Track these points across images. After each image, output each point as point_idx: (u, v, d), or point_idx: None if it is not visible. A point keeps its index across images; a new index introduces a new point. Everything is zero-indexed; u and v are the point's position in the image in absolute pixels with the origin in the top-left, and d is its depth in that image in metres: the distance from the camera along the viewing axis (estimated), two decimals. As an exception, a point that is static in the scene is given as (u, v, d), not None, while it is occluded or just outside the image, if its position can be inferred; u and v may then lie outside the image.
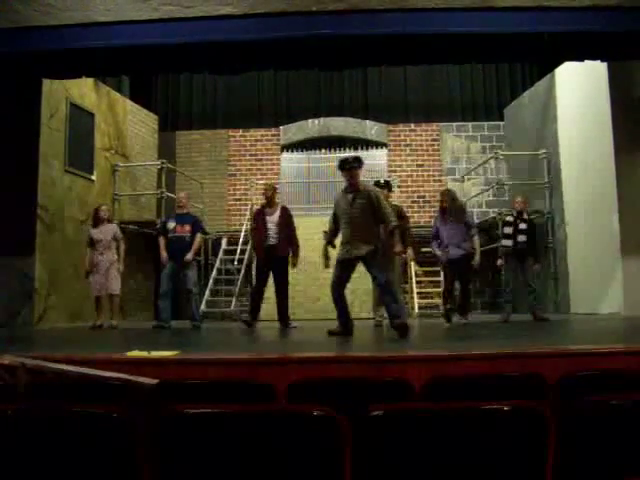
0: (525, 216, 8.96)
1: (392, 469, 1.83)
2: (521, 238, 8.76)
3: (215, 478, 1.85)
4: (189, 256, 8.34)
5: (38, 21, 6.98)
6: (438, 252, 8.38)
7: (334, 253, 6.69)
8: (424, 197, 13.67)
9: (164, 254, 8.42)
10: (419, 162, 13.82)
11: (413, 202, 13.62)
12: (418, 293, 12.07)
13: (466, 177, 13.44)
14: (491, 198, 13.22)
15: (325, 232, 6.82)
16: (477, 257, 8.11)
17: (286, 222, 8.45)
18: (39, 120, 9.31)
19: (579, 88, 10.23)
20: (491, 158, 12.69)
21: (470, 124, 13.86)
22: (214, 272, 12.35)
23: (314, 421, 1.82)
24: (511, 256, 8.84)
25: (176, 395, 2.58)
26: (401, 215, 8.13)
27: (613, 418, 1.90)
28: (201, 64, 8.19)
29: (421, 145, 13.87)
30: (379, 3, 6.77)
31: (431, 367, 3.71)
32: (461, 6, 6.74)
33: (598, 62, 8.33)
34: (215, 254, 12.86)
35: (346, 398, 2.31)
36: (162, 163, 12.05)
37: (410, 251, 8.54)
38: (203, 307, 11.51)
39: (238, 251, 11.75)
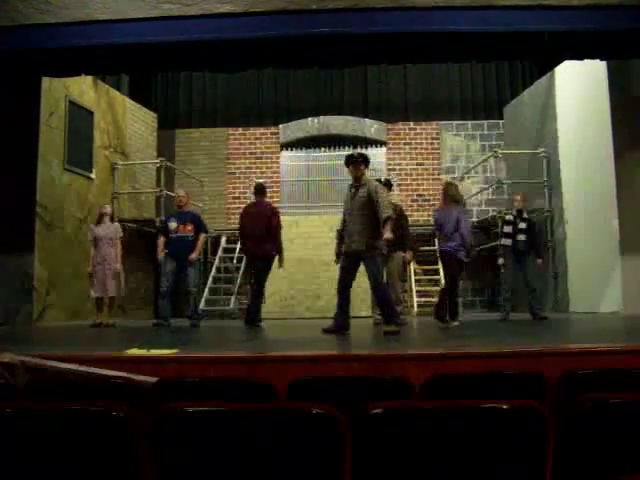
0: (525, 215, 8.97)
1: (392, 467, 1.83)
2: (520, 237, 8.78)
3: (215, 476, 1.85)
4: (194, 256, 8.34)
5: (37, 19, 6.97)
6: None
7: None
8: (423, 196, 13.67)
9: (161, 254, 8.41)
10: (419, 161, 13.82)
11: (412, 201, 13.62)
12: (417, 291, 12.08)
13: (465, 176, 13.44)
14: (490, 197, 13.23)
15: (338, 230, 6.98)
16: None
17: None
18: (38, 118, 9.30)
19: (579, 87, 10.22)
20: (490, 157, 12.69)
21: (470, 123, 13.86)
22: (213, 270, 12.35)
23: (314, 419, 1.82)
24: (510, 255, 8.85)
25: (175, 393, 2.58)
26: (401, 215, 8.13)
27: (613, 417, 1.90)
28: (200, 62, 8.19)
29: (420, 144, 13.87)
30: (379, 1, 6.77)
31: (431, 365, 3.71)
32: (461, 4, 6.74)
33: (598, 61, 8.33)
34: (214, 252, 12.86)
35: (346, 396, 2.31)
36: (161, 161, 12.05)
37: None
38: (202, 305, 11.53)
39: (237, 249, 11.75)
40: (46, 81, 9.28)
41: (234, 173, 14.02)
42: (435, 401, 2.17)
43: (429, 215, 13.30)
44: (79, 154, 10.53)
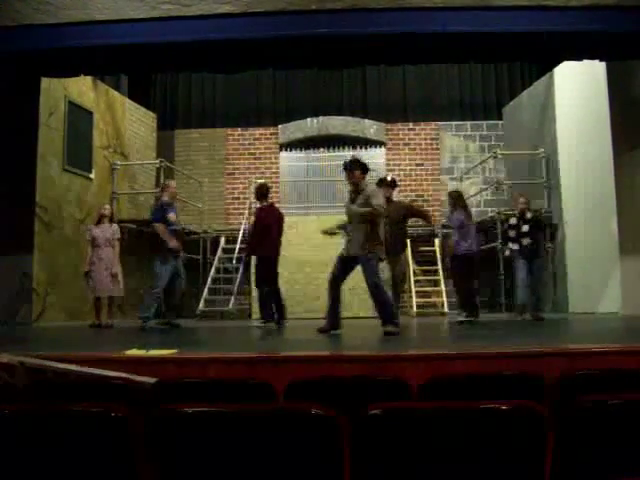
0: (528, 216, 8.89)
1: (391, 468, 1.83)
2: (525, 241, 8.72)
3: (214, 477, 1.85)
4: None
5: (37, 19, 6.97)
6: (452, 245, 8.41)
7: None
8: (422, 196, 13.67)
9: (174, 241, 7.87)
10: (418, 161, 13.81)
11: (412, 201, 13.59)
12: (416, 292, 12.08)
13: (465, 176, 13.44)
14: (489, 197, 13.22)
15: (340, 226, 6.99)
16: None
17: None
18: (37, 119, 9.30)
19: (578, 88, 10.24)
20: (490, 157, 12.69)
21: (469, 123, 13.86)
22: (212, 271, 12.34)
23: (313, 420, 1.82)
24: (519, 258, 8.79)
25: (175, 394, 2.58)
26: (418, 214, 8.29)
27: (612, 418, 1.90)
28: (200, 63, 8.18)
29: (420, 144, 13.86)
30: (378, 2, 6.77)
31: (430, 366, 3.71)
32: (460, 5, 6.74)
33: (597, 62, 8.34)
34: (214, 252, 12.85)
35: (345, 397, 2.31)
36: (160, 162, 12.04)
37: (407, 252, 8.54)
38: (201, 306, 11.53)
39: (237, 250, 11.75)
40: (45, 81, 9.27)
41: (233, 173, 14.01)
42: (434, 402, 2.17)
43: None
44: (78, 154, 10.53)
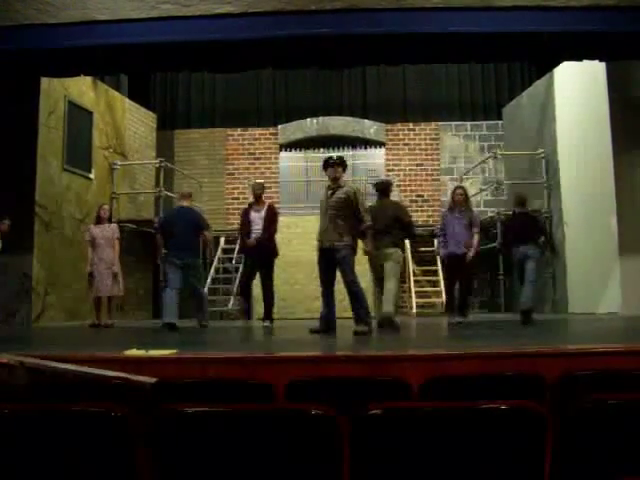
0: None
1: (391, 468, 1.83)
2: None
3: (213, 477, 1.85)
4: None
5: (37, 19, 6.97)
6: (439, 248, 8.29)
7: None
8: (422, 196, 13.67)
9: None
10: (418, 161, 13.81)
11: (411, 201, 13.60)
12: (416, 292, 12.08)
13: (464, 176, 13.44)
14: (489, 198, 13.22)
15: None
16: (471, 253, 7.89)
17: (270, 219, 8.38)
18: (37, 118, 9.30)
19: (578, 88, 10.23)
20: (489, 157, 12.69)
21: (469, 123, 13.87)
22: (212, 271, 12.34)
23: (313, 420, 1.82)
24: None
25: (174, 394, 2.58)
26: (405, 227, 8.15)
27: (612, 418, 1.90)
28: (199, 63, 8.18)
29: (419, 144, 13.87)
30: (378, 2, 6.77)
31: (429, 366, 3.71)
32: (460, 5, 6.74)
33: (597, 62, 8.33)
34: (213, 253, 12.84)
35: (344, 397, 2.31)
36: (160, 162, 12.04)
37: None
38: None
39: (236, 250, 11.74)
40: (45, 81, 9.27)
41: (233, 174, 14.01)
42: (434, 402, 2.17)
43: (428, 216, 13.34)
44: (78, 154, 10.53)
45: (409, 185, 13.72)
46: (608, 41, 7.04)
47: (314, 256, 6.97)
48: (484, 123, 13.83)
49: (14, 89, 8.43)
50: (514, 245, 8.14)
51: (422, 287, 12.40)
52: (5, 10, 6.98)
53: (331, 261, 6.65)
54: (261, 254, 8.17)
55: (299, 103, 13.99)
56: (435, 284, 12.21)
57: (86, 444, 1.82)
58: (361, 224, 6.64)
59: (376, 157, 13.88)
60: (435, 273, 12.20)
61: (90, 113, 11.03)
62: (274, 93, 14.13)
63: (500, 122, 13.61)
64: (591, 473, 1.85)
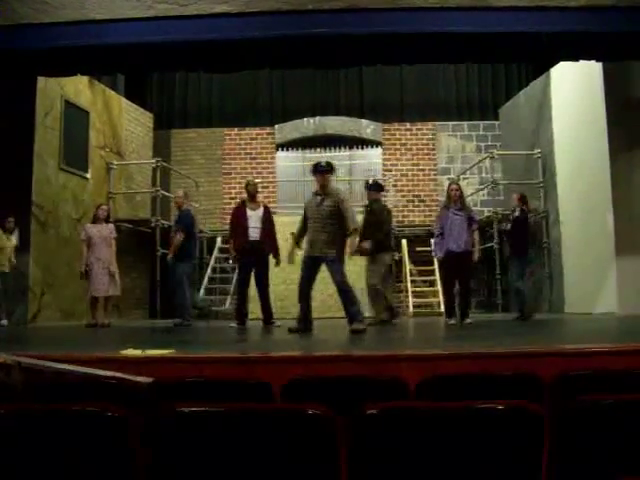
0: (517, 213, 8.93)
1: (388, 468, 1.83)
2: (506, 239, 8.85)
3: (211, 477, 1.85)
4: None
5: (33, 19, 6.94)
6: (436, 249, 8.26)
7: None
8: (419, 196, 13.68)
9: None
10: (414, 161, 13.82)
11: (408, 201, 13.62)
12: (413, 292, 12.09)
13: (461, 176, 13.45)
14: (486, 197, 13.23)
15: (292, 233, 7.06)
16: (476, 254, 7.91)
17: (269, 220, 8.36)
18: (34, 118, 9.29)
19: (574, 88, 10.25)
20: (486, 158, 12.70)
21: (465, 123, 13.88)
22: (209, 271, 12.33)
23: (310, 420, 1.82)
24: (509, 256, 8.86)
25: (172, 394, 2.57)
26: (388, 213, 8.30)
27: (609, 417, 1.90)
28: (196, 62, 8.16)
29: (416, 144, 13.87)
30: (375, 2, 6.77)
31: (426, 366, 3.71)
32: (457, 5, 6.74)
33: (593, 62, 8.35)
34: (210, 253, 12.84)
35: (341, 397, 2.31)
36: (157, 161, 12.04)
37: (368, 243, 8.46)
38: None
39: (230, 249, 11.71)
40: (41, 81, 9.26)
41: (230, 173, 14.00)
42: (431, 402, 2.18)
43: (425, 216, 13.34)
44: (75, 154, 10.51)
45: (406, 185, 13.72)
46: (605, 41, 7.04)
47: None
48: (481, 123, 13.84)
49: (10, 89, 8.42)
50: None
51: (419, 287, 12.40)
52: (2, 9, 6.96)
53: (316, 270, 6.72)
54: (257, 254, 8.15)
55: (296, 103, 13.98)
56: (432, 284, 12.22)
57: (84, 444, 1.82)
58: (347, 234, 6.61)
59: (373, 157, 13.88)
60: (432, 273, 12.20)
61: (87, 113, 11.01)
62: (271, 93, 14.12)
63: (497, 122, 13.63)
64: (588, 473, 1.85)
